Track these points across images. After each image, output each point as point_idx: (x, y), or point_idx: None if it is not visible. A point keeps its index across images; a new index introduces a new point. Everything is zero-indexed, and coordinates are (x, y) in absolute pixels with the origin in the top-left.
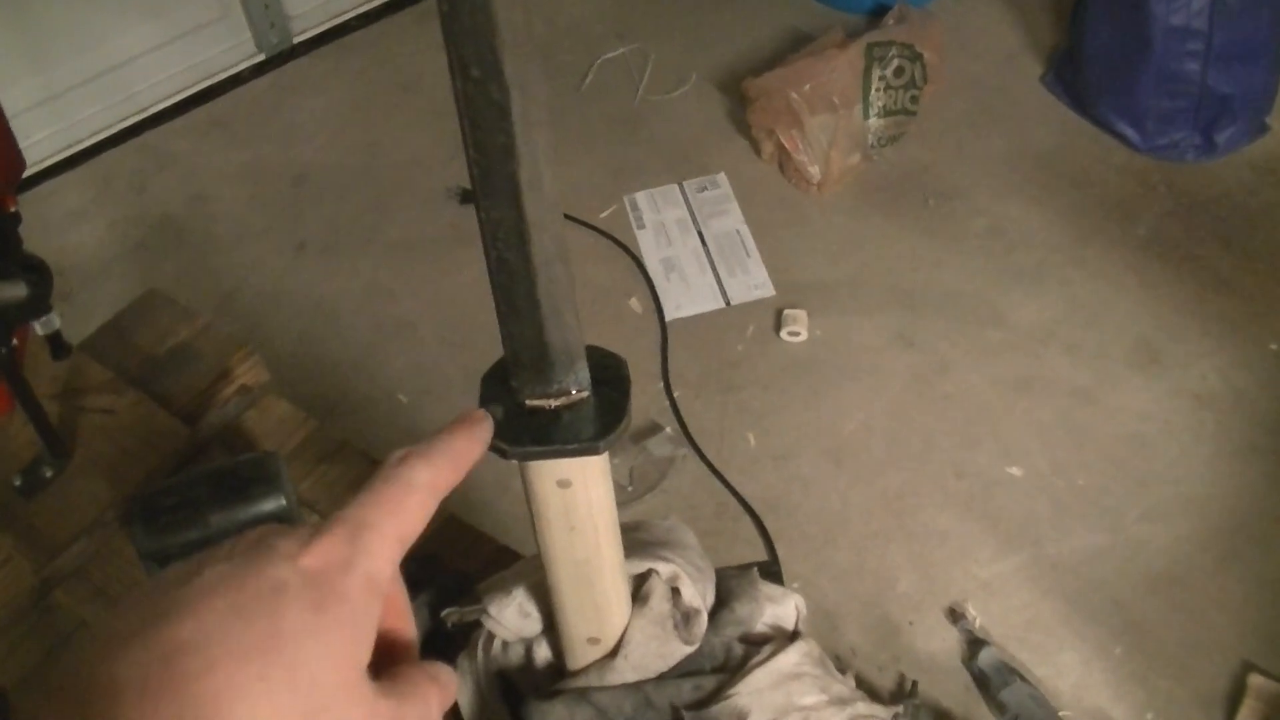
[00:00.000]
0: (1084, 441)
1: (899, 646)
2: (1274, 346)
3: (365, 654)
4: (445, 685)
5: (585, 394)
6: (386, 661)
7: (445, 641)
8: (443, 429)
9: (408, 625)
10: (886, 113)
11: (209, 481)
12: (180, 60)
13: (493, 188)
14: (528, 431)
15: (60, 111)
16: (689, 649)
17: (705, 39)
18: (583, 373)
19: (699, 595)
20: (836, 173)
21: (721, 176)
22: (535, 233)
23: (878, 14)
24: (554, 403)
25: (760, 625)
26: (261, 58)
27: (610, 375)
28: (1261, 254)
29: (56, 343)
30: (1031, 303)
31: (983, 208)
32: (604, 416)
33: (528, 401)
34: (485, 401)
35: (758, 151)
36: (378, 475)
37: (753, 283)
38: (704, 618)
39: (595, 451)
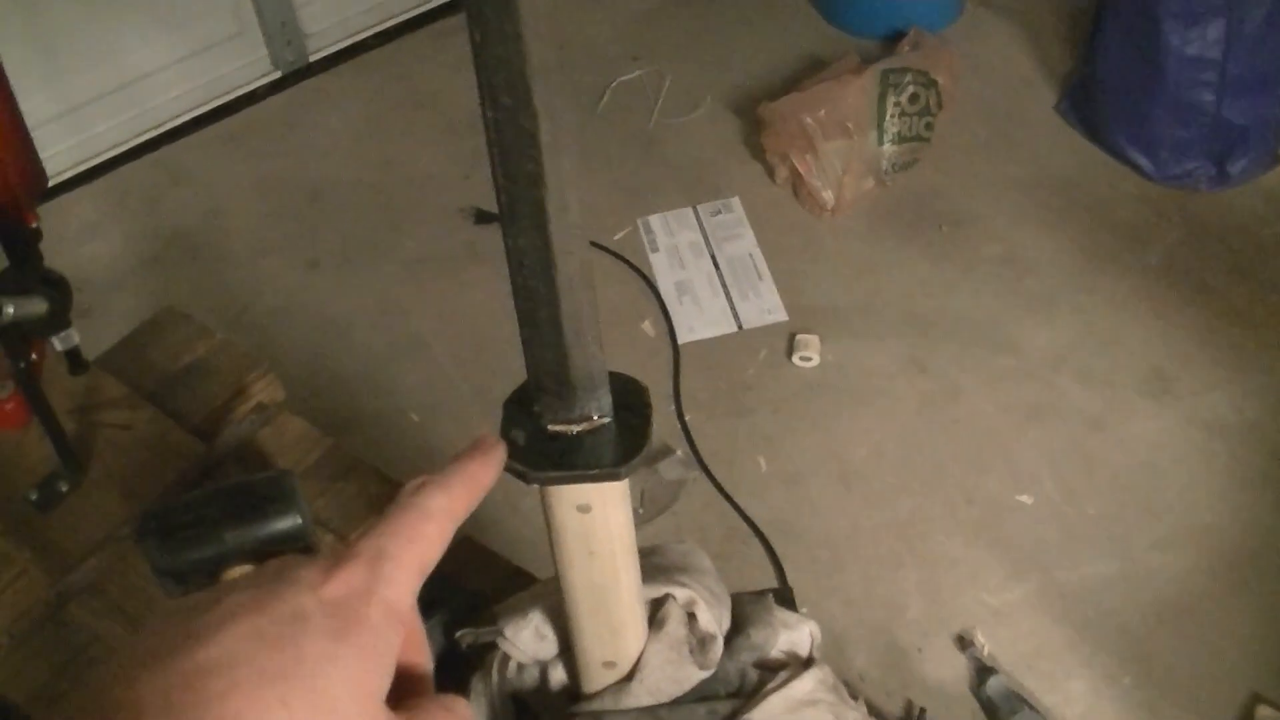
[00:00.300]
0: (1095, 469)
1: (908, 673)
2: None
3: (385, 682)
4: (461, 718)
5: (607, 420)
6: (402, 693)
7: (460, 662)
8: (457, 456)
9: (424, 658)
10: (900, 139)
11: (224, 499)
12: (197, 76)
13: (520, 214)
14: (549, 456)
15: (77, 126)
16: (704, 674)
17: (720, 62)
18: (605, 398)
19: (715, 621)
20: (850, 198)
21: (735, 200)
22: (561, 259)
23: (892, 39)
24: (576, 428)
25: (775, 651)
26: (277, 75)
27: (631, 401)
28: (1274, 284)
29: (74, 358)
30: (1043, 329)
31: (996, 234)
32: (625, 442)
33: (550, 426)
34: (507, 426)
35: (771, 176)
36: (395, 504)
37: (765, 307)
38: (720, 643)
39: (616, 477)
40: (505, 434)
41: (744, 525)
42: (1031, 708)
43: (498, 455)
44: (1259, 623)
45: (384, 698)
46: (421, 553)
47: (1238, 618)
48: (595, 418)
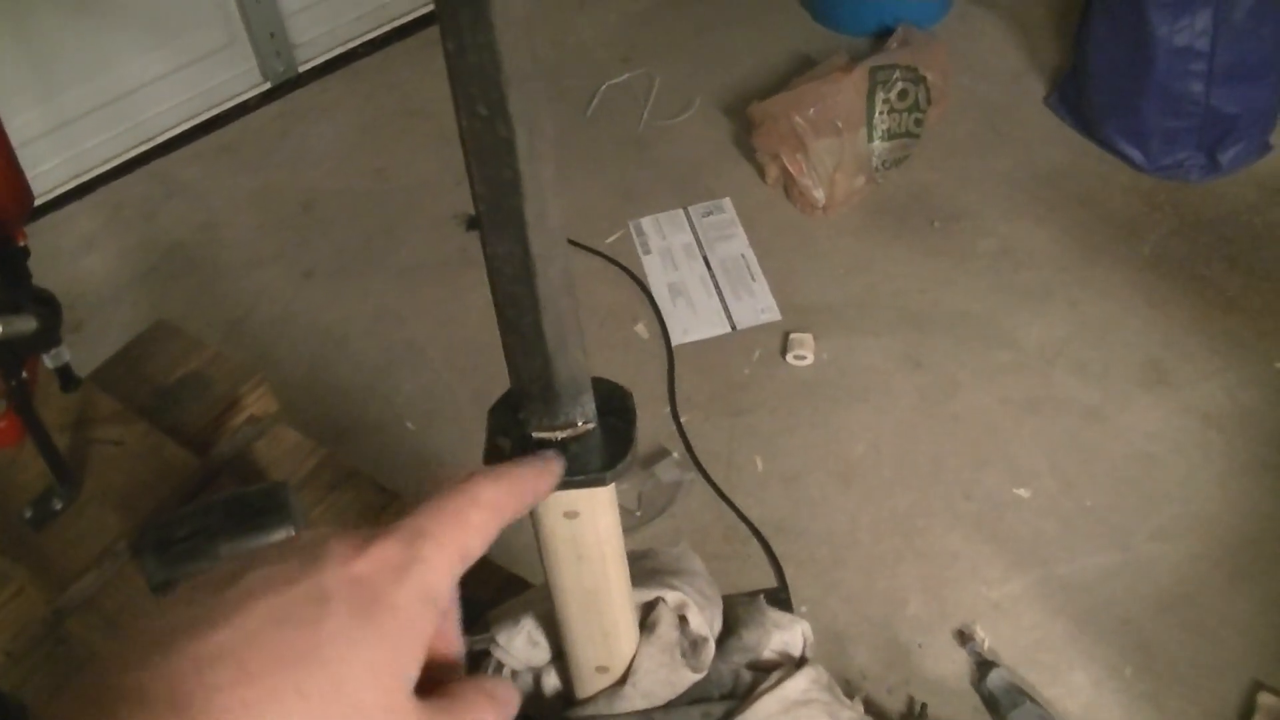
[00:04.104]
0: (1092, 461)
1: (908, 668)
2: None
3: (413, 671)
4: (503, 702)
5: (591, 425)
6: (431, 684)
7: None
8: (511, 462)
9: (456, 648)
10: (891, 135)
11: (220, 512)
12: (187, 88)
13: (498, 222)
14: None
15: (69, 140)
16: (697, 676)
17: (710, 63)
18: (589, 405)
19: (706, 623)
20: (841, 196)
21: (727, 201)
22: (541, 267)
23: (881, 36)
24: (560, 434)
25: (768, 652)
26: (268, 85)
27: (616, 406)
28: (1267, 272)
29: (66, 375)
30: (1039, 323)
31: (989, 228)
32: (610, 448)
33: (534, 433)
34: (493, 433)
35: (763, 175)
36: (440, 487)
37: (759, 307)
38: (711, 645)
39: (602, 483)
40: (491, 441)
41: (743, 525)
42: (1033, 701)
43: (554, 469)
44: (1260, 610)
45: (411, 687)
46: (464, 538)
47: (1238, 606)
48: (580, 424)
